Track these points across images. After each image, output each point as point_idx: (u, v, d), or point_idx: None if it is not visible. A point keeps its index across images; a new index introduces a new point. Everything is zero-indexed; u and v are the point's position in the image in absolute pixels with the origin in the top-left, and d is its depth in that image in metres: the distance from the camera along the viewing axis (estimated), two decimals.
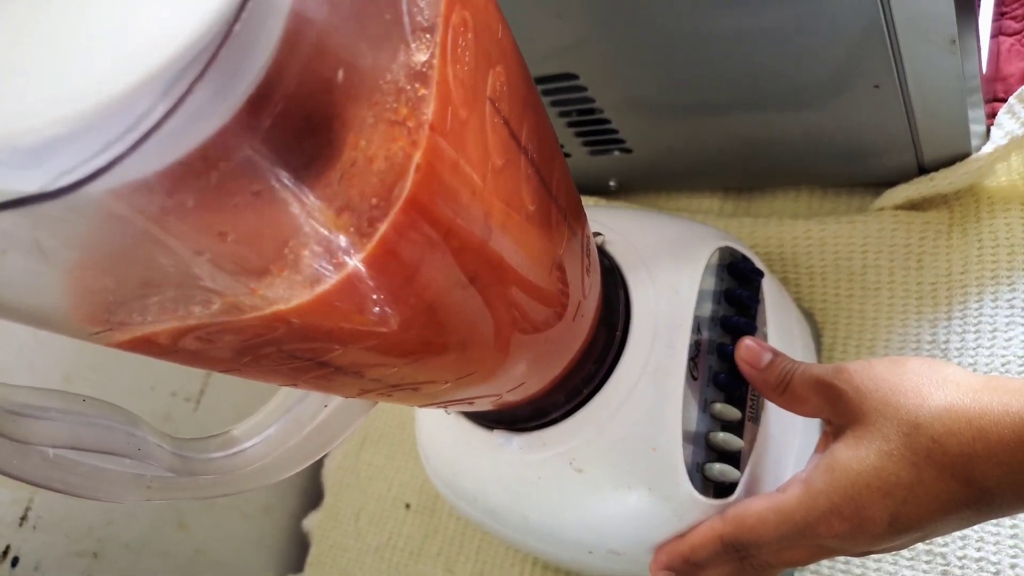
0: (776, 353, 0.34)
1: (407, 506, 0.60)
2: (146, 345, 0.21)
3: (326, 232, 0.17)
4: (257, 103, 0.14)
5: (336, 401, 0.30)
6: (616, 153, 0.54)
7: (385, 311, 0.21)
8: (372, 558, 0.59)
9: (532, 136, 0.25)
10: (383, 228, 0.18)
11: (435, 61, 0.19)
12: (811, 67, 0.40)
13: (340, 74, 0.15)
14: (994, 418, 0.27)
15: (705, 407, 0.34)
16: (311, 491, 0.67)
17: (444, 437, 0.37)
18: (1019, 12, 0.50)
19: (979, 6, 0.40)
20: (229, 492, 0.29)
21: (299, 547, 0.65)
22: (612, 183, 0.58)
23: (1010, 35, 0.50)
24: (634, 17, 0.40)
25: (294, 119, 0.15)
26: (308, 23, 0.15)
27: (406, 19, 0.18)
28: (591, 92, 0.47)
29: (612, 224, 0.37)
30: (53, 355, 0.53)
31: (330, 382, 0.25)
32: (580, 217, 0.30)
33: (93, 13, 0.13)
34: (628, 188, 0.59)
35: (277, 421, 0.30)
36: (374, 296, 0.20)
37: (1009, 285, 0.43)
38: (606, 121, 0.50)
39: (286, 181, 0.15)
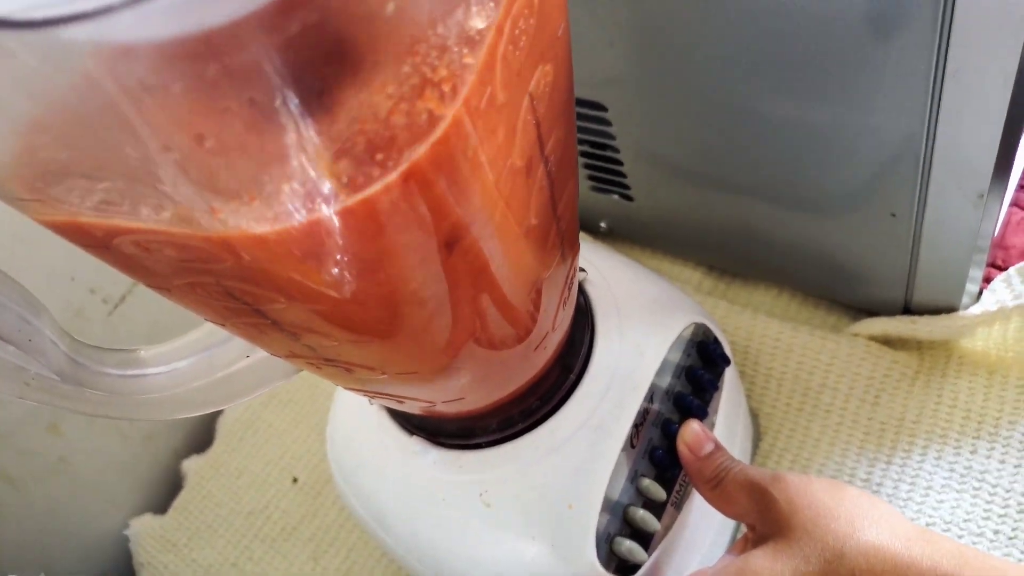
0: (718, 446, 0.33)
1: (294, 480, 0.57)
2: (76, 232, 0.18)
3: (313, 172, 0.15)
4: (290, 3, 0.12)
5: (259, 355, 0.28)
6: (616, 197, 0.52)
7: (344, 275, 0.19)
8: (241, 522, 0.56)
9: (556, 148, 0.23)
10: (376, 187, 0.16)
11: (490, 33, 0.17)
12: (837, 175, 0.39)
13: (391, 6, 0.13)
14: (920, 572, 0.26)
15: (634, 478, 0.32)
16: (201, 433, 0.64)
17: (358, 426, 0.35)
18: None
19: (1012, 171, 0.40)
20: (111, 415, 0.26)
21: (170, 486, 0.62)
22: (603, 224, 0.57)
23: (1022, 208, 0.50)
24: (683, 72, 0.39)
25: (324, 37, 0.13)
26: None
27: None
28: (614, 129, 0.46)
29: (598, 263, 0.35)
30: None
31: (261, 334, 0.23)
32: (575, 246, 0.28)
33: None
34: (617, 234, 0.57)
35: (190, 356, 0.27)
36: (337, 256, 0.18)
37: (955, 448, 0.42)
38: (619, 163, 0.49)
39: (291, 103, 0.13)
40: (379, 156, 0.15)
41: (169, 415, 0.27)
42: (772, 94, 0.37)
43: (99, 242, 0.19)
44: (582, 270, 0.35)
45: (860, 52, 0.32)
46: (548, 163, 0.23)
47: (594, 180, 0.52)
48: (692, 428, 0.33)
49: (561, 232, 0.25)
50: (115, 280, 0.57)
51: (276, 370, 0.28)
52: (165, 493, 0.61)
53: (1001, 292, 0.43)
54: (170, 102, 0.13)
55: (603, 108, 0.45)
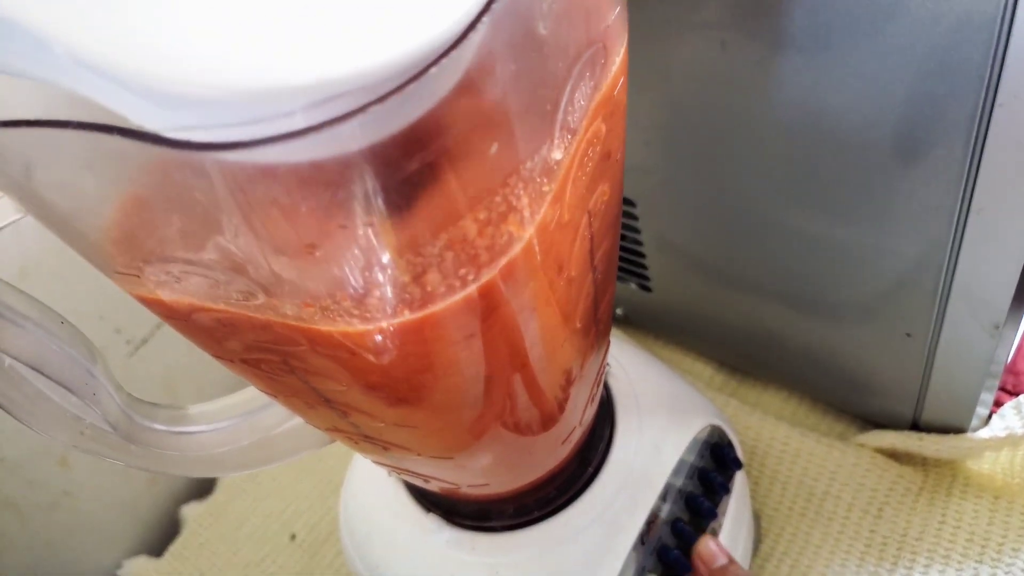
0: (732, 560, 0.33)
1: (292, 536, 0.57)
2: (159, 306, 0.20)
3: (404, 283, 0.16)
4: (412, 144, 0.13)
5: (297, 421, 0.29)
6: (635, 286, 0.54)
7: (406, 365, 0.20)
8: (237, 573, 0.56)
9: (604, 258, 0.25)
10: (456, 297, 0.18)
11: (565, 162, 0.19)
12: (856, 291, 0.41)
13: (494, 147, 0.15)
14: None
15: (641, 574, 0.33)
16: (203, 480, 0.64)
17: (374, 494, 0.36)
18: None
19: None
20: (152, 469, 0.27)
21: (168, 530, 0.62)
22: (620, 310, 0.58)
23: None
24: (713, 176, 0.41)
25: (433, 171, 0.14)
26: (486, 92, 0.14)
27: (560, 115, 0.18)
28: (640, 223, 0.48)
29: (622, 359, 0.36)
30: (16, 245, 0.50)
31: (310, 408, 0.24)
32: (607, 345, 0.29)
33: None
34: (633, 321, 0.58)
35: (234, 417, 0.28)
36: (406, 351, 0.19)
37: (957, 570, 0.43)
38: (641, 255, 0.50)
39: (394, 224, 0.15)
40: (462, 271, 0.16)
41: (207, 473, 0.27)
42: (799, 207, 0.38)
43: (179, 315, 0.20)
44: (607, 364, 0.36)
45: (889, 179, 0.34)
46: (596, 272, 0.24)
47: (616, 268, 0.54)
48: (708, 543, 0.34)
49: (600, 332, 0.27)
50: (140, 322, 0.58)
51: (312, 438, 0.29)
52: (162, 536, 0.61)
53: (1011, 418, 0.44)
54: (291, 215, 0.14)
55: (632, 203, 0.47)
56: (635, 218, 0.47)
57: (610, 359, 0.36)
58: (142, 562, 0.59)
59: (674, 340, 0.58)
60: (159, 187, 0.15)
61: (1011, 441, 0.43)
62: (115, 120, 0.14)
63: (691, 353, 0.57)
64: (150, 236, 0.16)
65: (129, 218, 0.17)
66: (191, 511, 0.61)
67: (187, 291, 0.18)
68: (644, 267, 0.51)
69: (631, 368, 0.36)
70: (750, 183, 0.39)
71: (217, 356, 0.23)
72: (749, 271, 0.45)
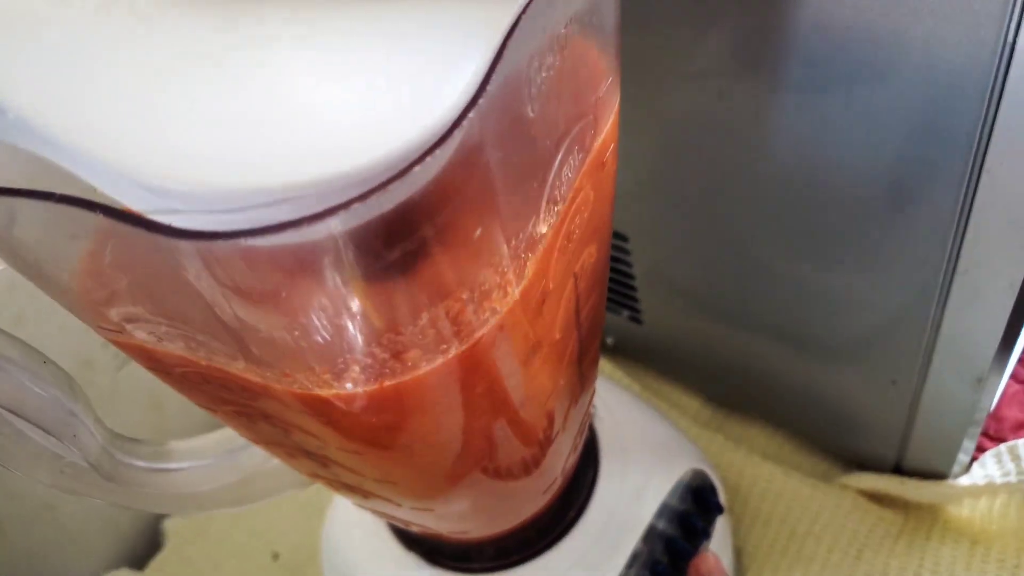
0: None
1: (275, 556, 0.57)
2: (142, 356, 0.20)
3: (385, 357, 0.16)
4: (394, 234, 0.14)
5: (279, 461, 0.29)
6: (626, 316, 0.54)
7: (383, 429, 0.20)
8: None
9: (589, 315, 0.25)
10: (434, 365, 0.18)
11: (551, 234, 0.19)
12: (843, 336, 0.41)
13: (479, 231, 0.15)
14: None
15: None
16: None
17: (355, 531, 0.36)
18: None
19: (1011, 359, 0.41)
20: (134, 506, 0.27)
21: (150, 545, 0.61)
22: (610, 340, 0.58)
23: (1019, 382, 0.51)
24: (706, 218, 0.41)
25: (417, 258, 0.14)
26: (471, 179, 0.14)
27: (547, 190, 0.18)
28: (633, 258, 0.48)
29: (610, 401, 0.36)
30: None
31: (291, 458, 0.24)
32: (591, 395, 0.29)
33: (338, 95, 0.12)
34: (623, 351, 0.59)
35: (218, 455, 0.28)
36: (383, 415, 0.19)
37: None
38: (632, 288, 0.50)
39: (377, 308, 0.15)
40: (443, 346, 0.17)
41: (188, 511, 0.28)
42: (791, 252, 0.39)
43: (162, 368, 0.20)
44: (593, 407, 0.36)
45: (880, 233, 0.34)
46: (581, 330, 0.24)
47: (607, 299, 0.54)
48: (707, 561, 0.34)
49: (584, 386, 0.27)
50: None
51: (294, 478, 0.29)
52: (144, 551, 0.61)
53: (991, 467, 0.44)
54: (271, 297, 0.14)
55: (625, 239, 0.47)
56: (628, 252, 0.48)
57: (597, 401, 0.36)
58: (124, 575, 0.59)
59: (663, 372, 0.58)
60: (141, 263, 0.15)
61: (990, 490, 0.43)
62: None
63: (679, 386, 0.57)
64: (132, 302, 0.17)
65: (111, 283, 0.17)
66: (173, 526, 0.61)
67: (169, 348, 0.18)
68: (635, 299, 0.51)
69: (618, 410, 0.36)
70: (743, 227, 0.39)
71: (199, 404, 0.23)
72: (740, 309, 0.46)
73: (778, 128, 0.33)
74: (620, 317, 0.55)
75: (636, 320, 0.54)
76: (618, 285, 0.51)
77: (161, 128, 0.12)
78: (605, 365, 0.57)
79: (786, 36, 0.30)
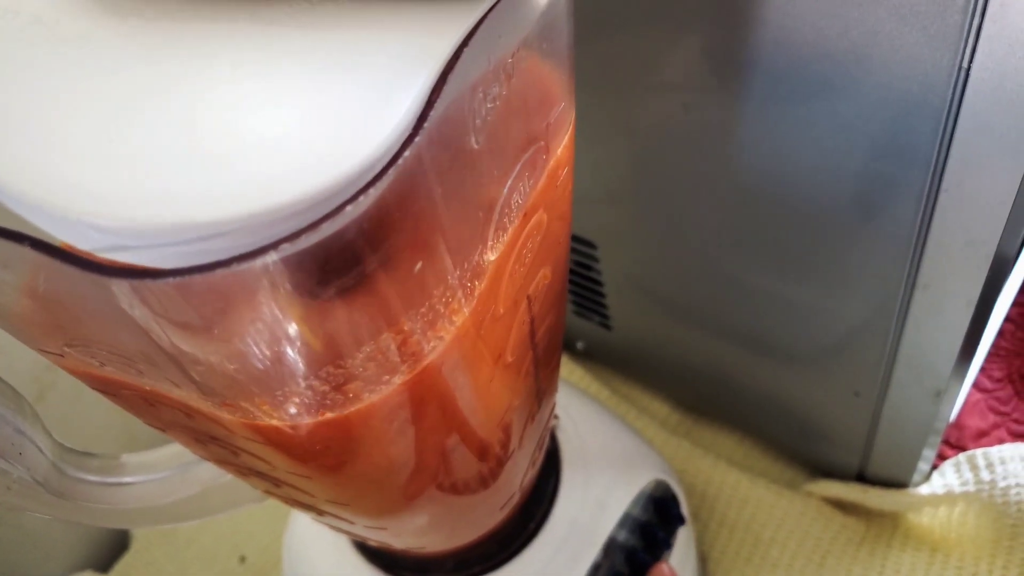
0: None
1: (242, 559, 0.57)
2: (87, 378, 0.20)
3: (325, 390, 0.16)
4: (329, 272, 0.13)
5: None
6: (596, 322, 0.54)
7: (329, 453, 0.20)
8: None
9: (545, 335, 0.25)
10: (374, 397, 0.17)
11: (500, 260, 0.19)
12: (808, 347, 0.41)
13: (419, 265, 0.15)
14: None
15: None
16: None
17: (315, 542, 0.36)
18: (996, 374, 0.52)
19: (969, 371, 0.42)
20: (86, 522, 0.27)
21: (115, 546, 0.61)
22: (580, 344, 0.59)
23: (981, 391, 0.52)
24: (675, 230, 0.41)
25: (355, 293, 0.14)
26: (411, 215, 0.14)
27: (496, 218, 0.18)
28: (601, 265, 0.48)
29: (573, 411, 0.36)
30: None
31: (244, 477, 0.24)
32: (548, 413, 0.29)
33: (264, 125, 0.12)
34: (593, 356, 0.59)
35: (169, 469, 0.28)
36: (328, 443, 0.19)
37: None
38: (601, 295, 0.50)
39: (312, 341, 0.15)
40: (386, 377, 0.16)
41: (141, 526, 0.27)
42: (754, 263, 0.39)
43: (108, 390, 0.20)
44: (555, 416, 0.36)
45: (841, 247, 0.34)
46: (536, 350, 0.24)
47: (577, 304, 0.54)
48: (662, 572, 0.34)
49: (541, 403, 0.27)
50: None
51: (249, 493, 0.28)
52: (109, 553, 0.60)
53: (950, 476, 0.44)
54: (205, 331, 0.14)
55: (593, 246, 0.47)
56: (596, 260, 0.48)
57: (560, 411, 0.36)
58: None
59: (632, 377, 0.58)
60: (76, 295, 0.15)
61: (948, 499, 0.43)
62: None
63: (648, 391, 0.57)
64: (70, 332, 0.16)
65: (47, 313, 0.16)
66: (139, 528, 0.61)
67: (110, 374, 0.18)
68: (604, 306, 0.52)
69: (580, 420, 0.36)
70: (710, 236, 0.40)
71: (149, 424, 0.22)
72: (708, 316, 0.46)
73: (742, 141, 0.33)
74: (590, 323, 0.55)
75: (606, 326, 0.54)
76: (587, 292, 0.51)
77: (86, 162, 0.12)
78: (575, 369, 0.57)
79: (749, 51, 0.30)
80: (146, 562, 0.58)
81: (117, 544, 0.61)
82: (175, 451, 0.28)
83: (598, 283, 0.49)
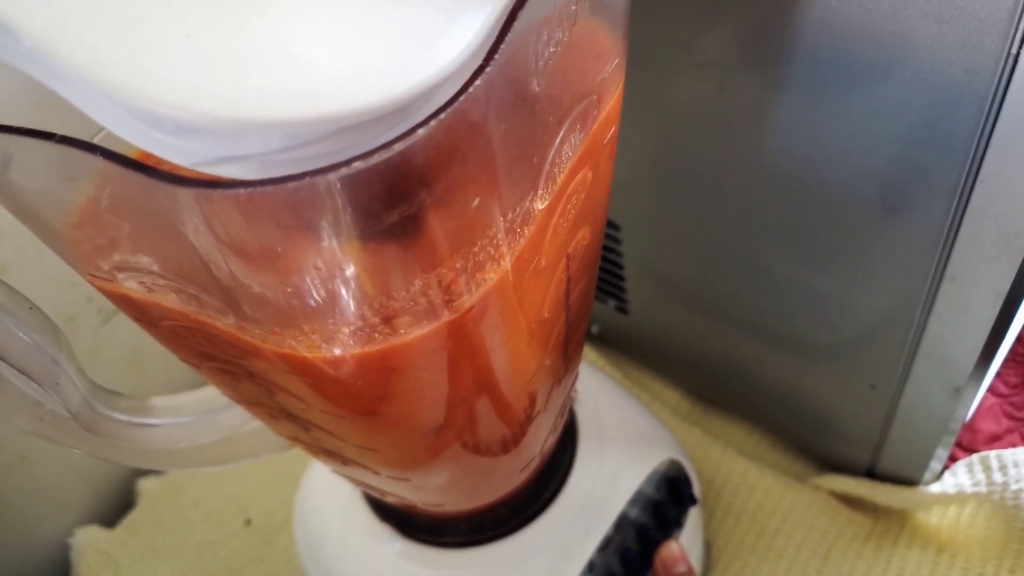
0: (691, 570, 0.34)
1: (247, 521, 0.57)
2: (129, 306, 0.20)
3: (375, 322, 0.16)
4: (395, 197, 0.14)
5: (259, 423, 0.29)
6: (613, 306, 0.54)
7: (368, 392, 0.20)
8: (188, 553, 0.56)
9: (579, 298, 0.25)
10: (422, 331, 0.18)
11: (547, 211, 0.19)
12: (827, 337, 0.41)
13: (476, 201, 0.15)
14: None
15: None
16: None
17: (329, 500, 0.36)
18: (1012, 380, 0.52)
19: (990, 370, 0.42)
20: (112, 459, 0.27)
21: (122, 503, 0.61)
22: (595, 328, 0.59)
23: (996, 395, 0.52)
24: (700, 214, 0.41)
25: (413, 224, 0.14)
26: (473, 149, 0.14)
27: (547, 167, 0.18)
28: (624, 248, 0.48)
29: (592, 386, 0.37)
30: None
31: (273, 419, 0.24)
32: (575, 378, 0.29)
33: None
34: (608, 340, 0.59)
35: (199, 413, 0.28)
36: (369, 379, 0.19)
37: None
38: (621, 278, 0.51)
39: (370, 272, 0.15)
40: (433, 314, 0.17)
41: (164, 466, 0.27)
42: (780, 250, 0.39)
43: (149, 319, 0.20)
44: (575, 390, 0.36)
45: (870, 235, 0.34)
46: (569, 312, 0.24)
47: (595, 288, 0.54)
48: (672, 548, 0.35)
49: (568, 368, 0.27)
50: None
51: (274, 441, 0.29)
52: (116, 508, 0.61)
53: (962, 477, 0.44)
54: (267, 252, 0.14)
55: (617, 227, 0.47)
56: (619, 242, 0.48)
57: (579, 385, 0.37)
58: (94, 532, 0.59)
59: (646, 363, 0.58)
60: (138, 210, 0.15)
61: (959, 499, 0.43)
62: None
63: (661, 377, 0.57)
64: (125, 251, 0.17)
65: (106, 231, 0.17)
66: (147, 485, 0.61)
67: (158, 300, 0.18)
68: (623, 290, 0.52)
69: (599, 396, 0.37)
70: (735, 221, 0.40)
71: (183, 359, 0.23)
72: (726, 305, 0.46)
73: (776, 123, 0.33)
74: (607, 306, 0.55)
75: (623, 310, 0.54)
76: (607, 274, 0.51)
77: (169, 59, 0.12)
78: (588, 352, 0.57)
79: (791, 31, 0.30)
80: (152, 519, 0.59)
81: (124, 500, 0.61)
82: (203, 396, 0.28)
83: (619, 266, 0.49)
